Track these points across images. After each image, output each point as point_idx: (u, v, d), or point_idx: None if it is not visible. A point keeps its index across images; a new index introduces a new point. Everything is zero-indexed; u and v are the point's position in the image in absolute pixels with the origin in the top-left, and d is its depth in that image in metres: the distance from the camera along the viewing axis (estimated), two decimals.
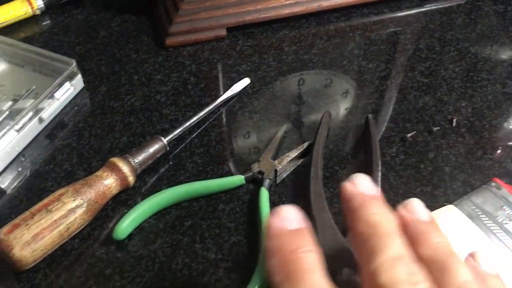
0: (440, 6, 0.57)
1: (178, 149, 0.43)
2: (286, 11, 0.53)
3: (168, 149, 0.42)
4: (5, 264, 0.34)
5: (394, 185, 0.41)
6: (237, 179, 0.40)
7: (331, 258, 0.31)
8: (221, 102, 0.46)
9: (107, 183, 0.38)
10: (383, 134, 0.44)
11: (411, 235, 0.29)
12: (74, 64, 0.46)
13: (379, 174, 0.39)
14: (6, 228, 0.34)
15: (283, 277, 0.26)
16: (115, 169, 0.38)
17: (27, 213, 0.35)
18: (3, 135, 0.41)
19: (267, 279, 0.31)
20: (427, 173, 0.41)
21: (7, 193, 0.40)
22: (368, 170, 0.41)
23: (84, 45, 0.52)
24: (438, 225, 0.30)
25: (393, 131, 0.45)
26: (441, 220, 0.37)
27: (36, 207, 0.35)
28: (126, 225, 0.37)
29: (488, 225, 0.37)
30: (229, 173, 0.42)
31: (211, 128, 0.45)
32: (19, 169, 0.42)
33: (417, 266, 0.26)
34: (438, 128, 0.44)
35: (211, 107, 0.45)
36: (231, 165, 0.42)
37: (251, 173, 0.40)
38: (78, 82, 0.47)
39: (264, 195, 0.39)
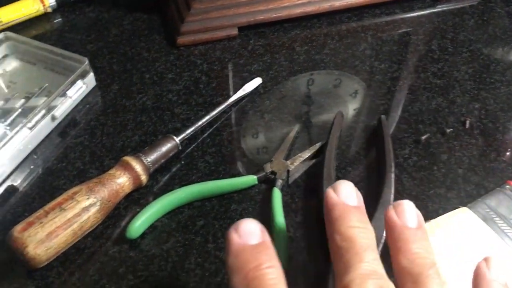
0: (452, 7, 0.57)
1: (190, 149, 0.43)
2: (298, 11, 0.53)
3: (180, 148, 0.42)
4: (19, 262, 0.34)
5: (407, 187, 0.40)
6: (250, 179, 0.40)
7: None
8: (233, 101, 0.46)
9: (120, 181, 0.38)
10: (396, 135, 0.44)
11: (394, 240, 0.30)
12: (87, 62, 0.46)
13: (393, 175, 0.39)
14: (20, 226, 0.34)
15: None
16: (128, 168, 0.38)
17: (41, 211, 0.35)
18: (16, 133, 0.41)
19: None
20: (440, 175, 0.41)
21: (19, 190, 0.40)
22: (381, 171, 0.40)
23: (96, 43, 0.52)
24: (425, 232, 0.30)
25: (405, 132, 0.44)
26: (455, 223, 0.37)
27: (50, 205, 0.35)
28: (139, 224, 0.37)
29: (502, 227, 0.37)
30: (241, 173, 0.41)
31: (223, 127, 0.45)
32: (32, 167, 0.42)
33: (388, 281, 0.27)
34: (451, 129, 0.44)
35: (223, 106, 0.45)
36: (243, 165, 0.42)
37: (264, 173, 0.40)
38: (90, 80, 0.47)
39: (277, 195, 0.39)
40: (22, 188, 0.40)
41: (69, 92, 0.44)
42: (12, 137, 0.40)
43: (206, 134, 0.44)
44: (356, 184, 0.40)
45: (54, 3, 0.55)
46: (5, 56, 0.49)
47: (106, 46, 0.52)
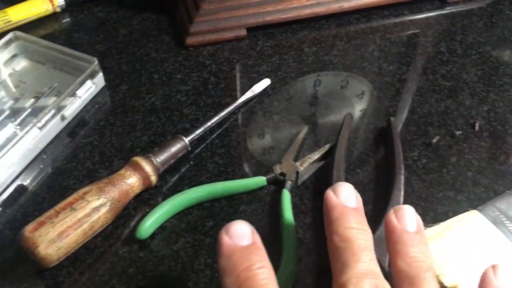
0: (461, 9, 0.57)
1: (199, 149, 0.43)
2: (307, 12, 0.53)
3: (189, 149, 0.42)
4: (30, 261, 0.34)
5: (417, 189, 0.40)
6: (259, 180, 0.40)
7: None
8: (241, 102, 0.46)
9: (130, 182, 0.38)
10: (405, 137, 0.44)
11: (393, 243, 0.31)
12: (96, 62, 0.46)
13: (402, 177, 0.39)
14: (31, 226, 0.34)
15: None
16: (138, 168, 0.38)
17: (51, 211, 0.35)
18: (26, 132, 0.41)
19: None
20: (450, 177, 0.41)
21: (29, 190, 0.40)
22: (390, 173, 0.40)
23: (105, 43, 0.52)
24: (423, 236, 0.31)
25: (414, 134, 0.44)
26: (465, 226, 0.37)
27: (61, 205, 0.35)
28: (149, 224, 0.37)
29: None
30: (250, 174, 0.41)
31: (232, 128, 0.45)
32: (41, 167, 0.42)
33: (383, 281, 0.28)
34: (461, 132, 0.44)
35: (232, 107, 0.45)
36: (252, 166, 0.42)
37: (273, 175, 0.40)
38: (99, 81, 0.47)
39: (286, 197, 0.39)
40: (31, 188, 0.41)
41: (78, 92, 0.45)
42: (22, 136, 0.40)
43: (215, 135, 0.45)
44: (365, 186, 0.41)
45: (63, 2, 0.55)
46: (14, 56, 0.49)
47: (115, 46, 0.52)
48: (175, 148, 0.41)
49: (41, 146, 0.42)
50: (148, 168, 0.39)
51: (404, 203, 0.38)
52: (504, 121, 0.45)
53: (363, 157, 0.43)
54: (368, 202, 0.40)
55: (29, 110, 0.44)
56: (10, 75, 0.48)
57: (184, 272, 0.36)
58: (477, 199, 0.40)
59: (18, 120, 0.43)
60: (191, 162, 0.42)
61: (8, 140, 0.41)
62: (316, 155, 0.42)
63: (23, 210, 0.39)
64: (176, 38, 0.53)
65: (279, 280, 0.34)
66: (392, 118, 0.44)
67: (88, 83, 0.45)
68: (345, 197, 0.31)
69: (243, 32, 0.53)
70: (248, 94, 0.47)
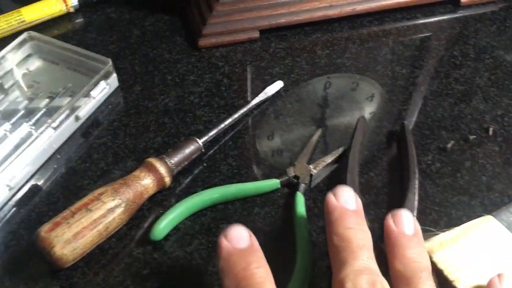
0: (474, 13, 0.57)
1: (212, 151, 0.43)
2: (320, 14, 0.53)
3: (203, 150, 0.42)
4: (45, 261, 0.34)
5: (431, 194, 0.40)
6: (273, 183, 0.40)
7: None
8: (255, 104, 0.46)
9: (145, 183, 0.38)
10: (418, 141, 0.44)
11: (391, 246, 0.32)
12: (110, 63, 0.46)
13: (417, 182, 0.39)
14: (47, 226, 0.34)
15: None
16: (152, 169, 0.38)
17: (67, 211, 0.35)
18: (41, 132, 0.41)
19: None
20: (464, 182, 0.41)
21: (44, 190, 0.41)
22: (404, 177, 0.40)
23: (118, 44, 0.52)
24: (420, 239, 0.33)
25: (428, 138, 0.44)
26: (479, 231, 0.37)
27: (76, 205, 0.35)
28: (163, 226, 0.37)
29: None
30: (263, 177, 0.41)
31: (245, 130, 0.45)
32: (55, 167, 0.42)
33: (381, 278, 0.30)
34: (474, 136, 0.44)
35: (245, 109, 0.45)
36: (265, 168, 0.42)
37: (287, 177, 0.40)
38: (113, 81, 0.47)
39: (300, 200, 0.39)
40: (46, 188, 0.41)
41: (92, 93, 0.45)
42: (37, 137, 0.41)
43: (228, 137, 0.45)
44: (378, 190, 0.41)
45: (77, 3, 0.55)
46: (28, 56, 0.49)
47: (128, 47, 0.52)
48: (189, 149, 0.41)
49: (55, 146, 0.43)
50: (162, 169, 0.39)
51: (418, 207, 0.38)
52: None
53: (376, 160, 0.43)
54: (382, 206, 0.40)
55: (44, 110, 0.44)
56: (24, 75, 0.48)
57: (198, 274, 0.36)
58: (491, 204, 0.40)
59: (33, 120, 0.43)
60: (204, 164, 0.42)
61: (23, 140, 0.42)
62: (329, 158, 0.42)
63: (37, 210, 0.39)
64: (189, 39, 0.53)
65: (294, 284, 0.34)
66: (406, 122, 0.44)
67: (102, 83, 0.46)
68: (345, 200, 0.33)
69: (256, 34, 0.53)
70: (261, 96, 0.47)
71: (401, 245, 0.32)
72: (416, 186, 0.39)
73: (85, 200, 0.36)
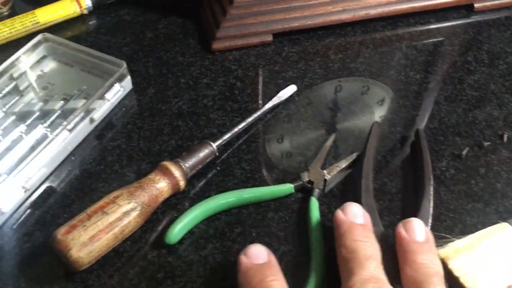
0: (488, 18, 0.57)
1: (225, 155, 0.43)
2: (333, 19, 0.53)
3: (217, 154, 0.42)
4: (61, 264, 0.35)
5: (445, 201, 0.40)
6: (287, 188, 0.40)
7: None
8: (268, 108, 0.46)
9: (160, 186, 0.38)
10: (432, 147, 0.44)
11: (402, 252, 0.33)
12: (125, 66, 0.46)
13: (431, 188, 0.39)
14: (63, 229, 0.34)
15: None
16: (167, 173, 0.39)
17: (83, 214, 0.35)
18: (57, 134, 0.41)
19: None
20: (478, 189, 0.41)
21: (58, 192, 0.41)
22: (418, 183, 0.40)
23: (132, 46, 0.52)
24: (432, 245, 0.33)
25: (442, 144, 0.44)
26: (495, 238, 0.37)
27: (92, 208, 0.35)
28: (178, 229, 0.37)
29: None
30: (277, 181, 0.41)
31: (258, 134, 0.45)
32: (70, 168, 0.42)
33: (387, 285, 0.30)
34: (489, 143, 0.44)
35: (259, 113, 0.45)
36: (279, 172, 0.42)
37: (301, 182, 0.40)
38: (127, 84, 0.47)
39: (314, 205, 0.39)
40: (60, 189, 0.41)
41: (107, 95, 0.45)
42: (52, 139, 0.41)
43: (241, 141, 0.45)
44: (392, 196, 0.41)
45: (90, 5, 0.55)
46: (43, 58, 0.49)
47: (142, 50, 0.52)
48: (203, 153, 0.41)
49: (70, 148, 0.43)
50: (177, 173, 0.39)
51: (433, 214, 0.38)
52: None
53: (390, 166, 0.43)
54: (396, 212, 0.39)
55: (59, 112, 0.44)
56: (39, 76, 0.48)
57: (212, 278, 0.36)
58: (506, 212, 0.40)
59: (48, 122, 0.43)
60: (218, 168, 0.43)
61: (38, 141, 0.42)
62: (343, 164, 0.42)
63: (52, 212, 0.39)
64: (202, 42, 0.53)
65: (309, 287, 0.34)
66: (420, 129, 0.43)
67: (117, 86, 0.46)
68: (353, 215, 0.34)
69: (269, 38, 0.53)
70: (275, 100, 0.47)
71: (412, 251, 0.32)
72: (431, 193, 0.39)
73: (101, 203, 0.36)
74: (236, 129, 0.43)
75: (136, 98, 0.48)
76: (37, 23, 0.53)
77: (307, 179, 0.41)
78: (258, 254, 0.32)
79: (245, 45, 0.52)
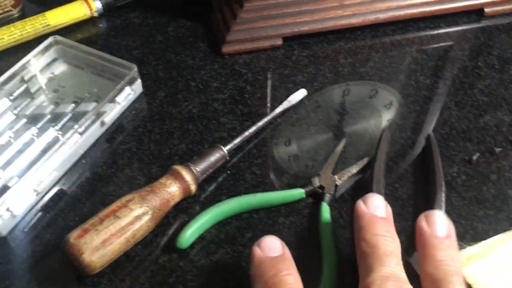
0: (498, 23, 0.56)
1: (236, 159, 0.43)
2: (343, 23, 0.53)
3: (228, 158, 0.42)
4: (72, 267, 0.35)
5: (457, 207, 0.40)
6: (298, 193, 0.40)
7: None
8: (279, 113, 0.46)
9: (171, 191, 0.38)
10: (443, 152, 0.44)
11: (422, 247, 0.32)
12: (136, 69, 0.46)
13: (443, 194, 0.39)
14: (76, 233, 0.34)
15: None
16: (179, 177, 0.39)
17: (95, 218, 0.35)
18: (69, 137, 0.41)
19: None
20: (490, 195, 0.41)
21: (69, 195, 0.41)
22: (430, 189, 0.40)
23: (141, 49, 0.53)
24: (453, 241, 0.32)
25: (453, 150, 0.44)
26: (507, 245, 0.37)
27: (104, 212, 0.36)
28: (189, 234, 0.37)
29: None
30: (288, 186, 0.41)
31: (269, 138, 0.45)
32: (81, 172, 0.42)
33: (407, 285, 0.29)
34: (500, 149, 0.44)
35: (269, 117, 0.45)
36: (289, 177, 0.42)
37: (312, 187, 0.40)
38: (137, 87, 0.47)
39: (326, 210, 0.39)
40: (71, 193, 0.41)
41: (118, 98, 0.45)
42: (64, 142, 0.41)
43: (251, 145, 0.45)
44: (403, 202, 0.40)
45: (101, 7, 0.55)
46: (53, 60, 0.49)
47: (152, 53, 0.52)
48: (214, 157, 0.41)
49: (81, 151, 0.43)
50: (188, 177, 0.39)
51: None
52: None
53: (400, 171, 0.43)
54: (407, 218, 0.39)
55: (70, 115, 0.44)
56: (50, 79, 0.48)
57: (224, 283, 0.36)
58: None
59: (59, 125, 0.43)
60: (228, 172, 0.43)
61: (49, 144, 0.42)
62: (354, 169, 0.42)
63: (63, 215, 0.39)
64: (212, 45, 0.53)
65: None
66: (431, 134, 0.43)
67: (127, 89, 0.46)
68: (375, 207, 0.33)
69: (279, 42, 0.53)
70: (285, 105, 0.47)
71: (432, 247, 0.31)
72: (443, 199, 0.39)
73: (113, 207, 0.36)
74: (246, 133, 0.43)
75: (146, 101, 0.48)
76: (48, 25, 0.53)
77: (318, 184, 0.40)
78: (272, 246, 0.32)
79: (255, 48, 0.52)
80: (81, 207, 0.40)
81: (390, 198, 0.40)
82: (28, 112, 0.45)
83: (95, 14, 0.56)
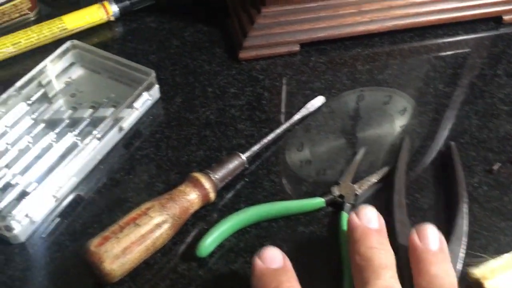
0: None
1: (254, 166, 0.43)
2: (361, 29, 0.53)
3: (247, 166, 0.42)
4: (92, 275, 0.34)
5: (478, 218, 0.39)
6: (318, 202, 0.40)
7: None
8: (297, 120, 0.46)
9: (190, 198, 0.38)
10: (464, 162, 0.43)
11: (415, 262, 0.32)
12: (153, 74, 0.46)
13: (465, 206, 0.38)
14: (96, 241, 0.34)
15: None
16: (198, 184, 0.38)
17: (115, 225, 0.35)
18: (88, 143, 0.41)
19: None
20: None
21: (87, 201, 0.41)
22: (451, 199, 0.40)
23: (158, 54, 0.52)
24: (446, 255, 0.32)
25: (474, 160, 0.43)
26: None
27: (124, 220, 0.35)
28: (209, 242, 0.37)
29: None
30: (307, 194, 0.41)
31: (287, 146, 0.45)
32: (98, 177, 0.42)
33: None
34: None
35: (287, 124, 0.45)
36: (308, 185, 0.42)
37: (332, 197, 0.40)
38: (155, 92, 0.47)
39: (346, 220, 0.38)
40: (89, 199, 0.41)
41: (136, 104, 0.45)
42: (83, 148, 0.41)
43: (269, 152, 0.44)
44: (424, 212, 0.40)
45: (117, 11, 0.55)
46: (71, 64, 0.49)
47: (168, 57, 0.52)
48: (233, 165, 0.41)
49: (99, 157, 0.43)
50: (207, 184, 0.38)
51: (469, 232, 0.37)
52: None
53: (421, 181, 0.42)
54: None
55: (88, 120, 0.44)
56: (67, 84, 0.48)
57: None
58: None
59: (77, 130, 0.43)
60: (246, 179, 0.42)
61: (68, 149, 0.42)
62: (374, 178, 0.41)
63: (82, 221, 0.39)
64: (229, 51, 0.53)
65: None
66: (453, 143, 0.43)
67: (145, 95, 0.46)
68: (368, 219, 0.33)
69: (296, 48, 0.52)
70: (303, 112, 0.46)
71: (425, 261, 0.31)
72: (465, 210, 0.38)
73: (133, 214, 0.36)
74: (265, 141, 0.43)
75: (163, 106, 0.48)
76: (65, 29, 0.53)
77: (338, 193, 0.40)
78: (273, 258, 0.32)
79: (272, 54, 0.52)
80: (99, 214, 0.40)
81: (411, 209, 0.40)
82: (46, 117, 0.44)
83: (112, 18, 0.56)
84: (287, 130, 0.45)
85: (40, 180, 0.39)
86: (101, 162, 0.43)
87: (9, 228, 0.36)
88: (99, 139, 0.42)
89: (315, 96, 0.48)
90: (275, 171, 0.43)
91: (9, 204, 0.38)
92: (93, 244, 0.34)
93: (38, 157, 0.41)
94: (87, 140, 0.41)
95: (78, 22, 0.54)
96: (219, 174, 0.40)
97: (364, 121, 0.47)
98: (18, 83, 0.45)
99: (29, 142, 0.42)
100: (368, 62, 0.52)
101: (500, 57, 0.53)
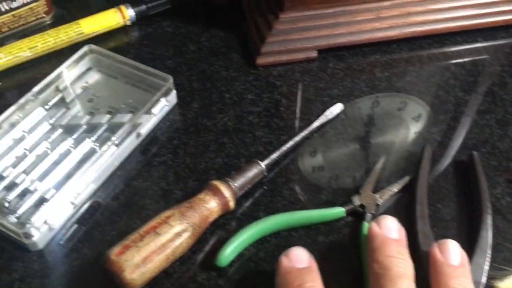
0: None
1: (272, 174, 0.43)
2: (380, 35, 0.52)
3: (266, 174, 0.41)
4: (111, 283, 0.34)
5: (501, 229, 0.39)
6: (338, 211, 0.39)
7: None
8: (316, 127, 0.45)
9: (210, 207, 0.37)
10: (486, 172, 0.42)
11: (435, 275, 0.32)
12: (171, 80, 0.46)
13: (490, 217, 0.38)
14: (116, 249, 0.34)
15: None
16: (217, 193, 0.38)
17: (136, 234, 0.35)
18: (106, 149, 0.41)
19: None
20: None
21: (105, 208, 0.40)
22: (474, 210, 0.39)
23: (175, 59, 0.52)
24: (467, 270, 0.32)
25: (496, 170, 0.43)
26: None
27: (144, 228, 0.35)
28: (229, 252, 0.36)
29: None
30: (327, 203, 0.41)
31: (306, 154, 0.44)
32: (116, 184, 0.42)
33: None
34: None
35: (306, 132, 0.44)
36: (327, 194, 0.41)
37: (352, 206, 0.39)
38: (172, 98, 0.47)
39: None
40: (107, 205, 0.40)
41: (153, 110, 0.44)
42: (101, 154, 0.40)
43: (288, 160, 0.44)
44: (447, 223, 0.39)
45: (134, 16, 0.55)
46: (88, 69, 0.49)
47: (185, 63, 0.52)
48: (252, 172, 0.40)
49: (117, 163, 0.42)
50: (227, 193, 0.38)
51: (493, 244, 0.37)
52: None
53: (442, 191, 0.41)
54: None
55: (105, 126, 0.44)
56: (84, 88, 0.48)
57: None
58: None
59: (95, 136, 0.43)
60: (265, 187, 0.42)
61: (86, 155, 0.41)
62: (396, 188, 0.41)
63: (100, 228, 0.39)
64: (246, 56, 0.52)
65: None
66: (475, 153, 0.42)
67: (163, 100, 0.45)
68: (388, 229, 0.33)
69: (314, 54, 0.52)
70: (322, 119, 0.46)
71: (445, 275, 0.31)
72: (489, 222, 0.37)
73: (153, 223, 0.35)
74: (284, 148, 0.43)
75: (180, 112, 0.47)
76: (82, 33, 0.53)
77: (359, 203, 0.40)
78: (299, 258, 0.32)
79: (290, 60, 0.52)
80: (117, 221, 0.39)
81: (433, 219, 0.39)
82: (63, 122, 0.44)
83: (128, 23, 0.55)
84: (306, 138, 0.45)
85: (58, 186, 0.39)
86: (119, 168, 0.43)
87: (28, 235, 0.36)
88: (117, 145, 0.42)
89: (333, 103, 0.47)
90: (294, 179, 0.42)
91: (27, 210, 0.38)
92: (114, 253, 0.33)
93: (56, 163, 0.41)
94: (105, 146, 0.41)
95: (95, 26, 0.54)
96: (239, 182, 0.39)
97: (379, 127, 0.46)
98: (36, 88, 0.45)
99: (47, 148, 0.42)
100: (386, 69, 0.52)
101: None
